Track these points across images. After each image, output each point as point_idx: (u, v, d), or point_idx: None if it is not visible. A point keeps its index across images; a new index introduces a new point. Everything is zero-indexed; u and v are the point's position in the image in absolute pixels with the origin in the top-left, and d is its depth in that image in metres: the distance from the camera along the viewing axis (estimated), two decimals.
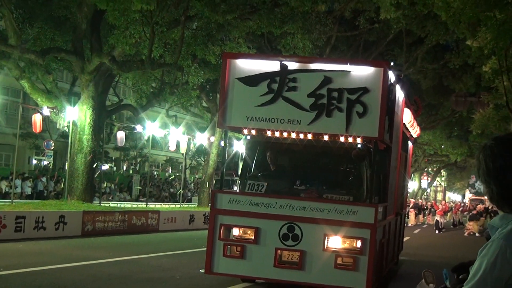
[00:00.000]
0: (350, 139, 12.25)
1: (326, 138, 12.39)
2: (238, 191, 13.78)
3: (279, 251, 12.35)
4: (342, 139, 12.29)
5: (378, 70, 12.13)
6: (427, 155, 65.66)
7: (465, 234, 41.92)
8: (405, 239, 30.24)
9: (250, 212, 12.45)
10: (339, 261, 12.13)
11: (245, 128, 12.79)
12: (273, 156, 13.76)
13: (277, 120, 12.37)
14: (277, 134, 12.55)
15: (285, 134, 12.51)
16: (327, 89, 12.21)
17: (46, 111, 27.43)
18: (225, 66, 12.76)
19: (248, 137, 13.68)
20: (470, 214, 45.21)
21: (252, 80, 12.56)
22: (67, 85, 40.64)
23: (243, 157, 14.49)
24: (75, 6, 27.78)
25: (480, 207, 46.80)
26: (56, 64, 31.64)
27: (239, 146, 13.02)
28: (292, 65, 12.54)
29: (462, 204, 65.31)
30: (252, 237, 12.48)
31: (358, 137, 12.20)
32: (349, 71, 12.22)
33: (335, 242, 12.19)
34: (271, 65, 12.59)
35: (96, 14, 28.02)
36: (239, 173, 14.19)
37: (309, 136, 12.41)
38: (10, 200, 26.47)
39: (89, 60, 27.97)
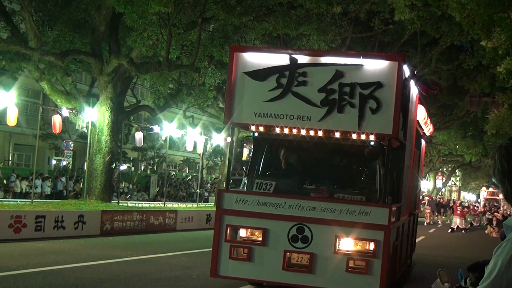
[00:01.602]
0: (363, 136, 11.65)
1: (337, 135, 11.79)
2: (245, 190, 13.10)
3: (288, 253, 11.76)
4: (354, 136, 11.69)
5: (392, 64, 11.53)
6: (442, 155, 65.30)
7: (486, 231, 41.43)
8: (419, 238, 30.24)
9: (258, 212, 11.85)
10: (351, 264, 11.53)
11: (253, 125, 12.18)
12: (282, 154, 13.15)
13: (286, 116, 11.77)
14: (286, 131, 11.96)
15: (294, 131, 11.90)
16: (339, 83, 11.62)
17: (65, 112, 27.75)
18: (232, 60, 12.15)
19: (256, 134, 12.86)
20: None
21: (260, 74, 11.98)
22: (86, 86, 41.03)
23: (250, 155, 13.87)
24: (93, 9, 28.10)
25: None
26: (75, 66, 31.97)
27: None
28: (302, 59, 11.93)
29: (477, 205, 65.11)
30: (260, 239, 11.87)
31: (371, 134, 11.61)
32: (362, 65, 11.61)
33: (347, 244, 11.59)
34: (280, 59, 11.98)
35: (114, 16, 28.30)
36: (247, 171, 13.46)
37: (320, 133, 11.82)
38: (30, 200, 26.76)
39: (108, 62, 28.26)
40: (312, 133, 11.87)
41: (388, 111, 11.42)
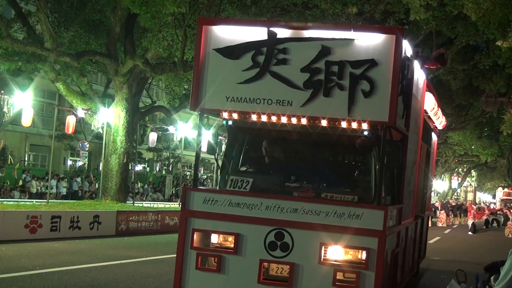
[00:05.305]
0: (354, 124, 9.76)
1: (324, 123, 9.94)
2: (217, 188, 11.38)
3: (264, 263, 9.89)
4: (343, 124, 9.80)
5: (389, 38, 9.62)
6: (457, 155, 65.15)
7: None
8: (434, 239, 30.07)
9: (229, 215, 10.01)
10: (339, 276, 9.67)
11: (224, 111, 10.32)
12: (259, 146, 11.34)
13: (264, 100, 9.98)
14: (263, 118, 10.07)
15: (273, 118, 10.05)
16: (326, 62, 9.79)
17: (81, 113, 27.90)
18: (200, 34, 10.34)
19: (230, 122, 10.71)
20: None
21: (233, 51, 10.19)
22: (101, 87, 41.28)
23: (223, 148, 11.79)
24: (109, 9, 28.24)
25: None
26: (91, 66, 32.18)
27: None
28: (283, 33, 10.05)
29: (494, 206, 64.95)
30: (232, 246, 10.05)
31: (364, 121, 9.70)
32: (353, 40, 9.75)
33: (334, 253, 9.74)
34: (257, 33, 10.13)
35: (129, 17, 28.42)
36: (220, 167, 11.72)
37: (303, 121, 9.99)
38: (46, 200, 26.90)
39: (123, 62, 28.37)
40: (294, 120, 10.06)
41: (383, 95, 9.62)
